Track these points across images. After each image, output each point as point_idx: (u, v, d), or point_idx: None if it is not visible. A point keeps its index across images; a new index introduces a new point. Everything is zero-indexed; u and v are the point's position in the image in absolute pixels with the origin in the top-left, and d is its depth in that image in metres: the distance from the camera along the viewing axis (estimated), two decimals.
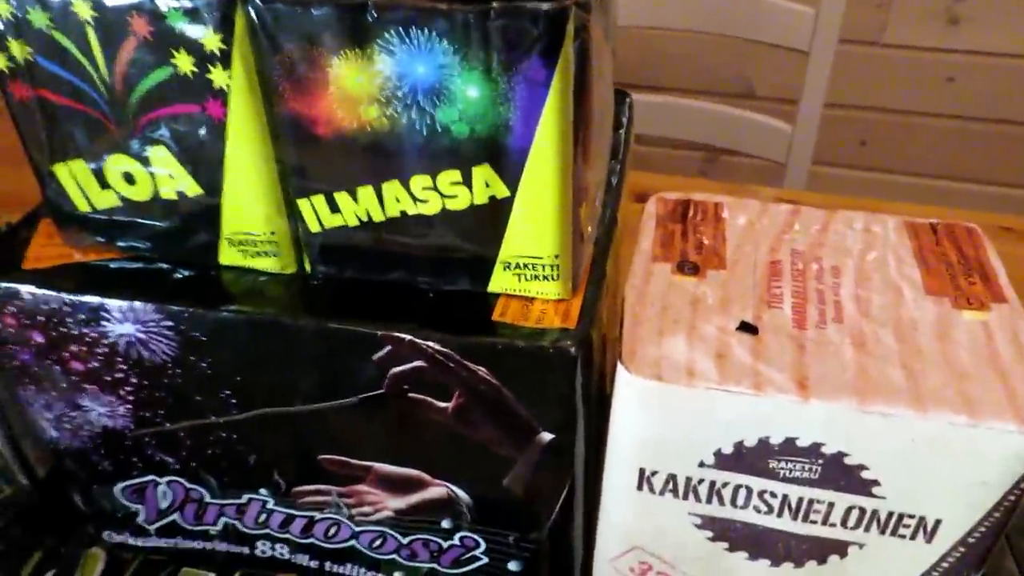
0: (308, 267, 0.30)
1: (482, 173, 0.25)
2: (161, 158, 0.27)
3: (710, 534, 0.29)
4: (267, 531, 0.35)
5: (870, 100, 1.12)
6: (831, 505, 0.27)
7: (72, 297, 0.29)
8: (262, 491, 0.34)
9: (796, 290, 0.30)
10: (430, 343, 0.27)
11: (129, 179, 0.28)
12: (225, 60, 0.25)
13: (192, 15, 0.24)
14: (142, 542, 0.38)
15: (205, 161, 0.27)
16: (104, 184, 0.29)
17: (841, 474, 0.26)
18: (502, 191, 0.25)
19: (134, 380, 0.30)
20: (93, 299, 0.29)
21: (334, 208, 0.27)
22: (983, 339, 0.27)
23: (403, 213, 0.27)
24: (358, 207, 0.27)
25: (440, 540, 0.33)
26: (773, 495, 0.28)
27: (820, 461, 0.26)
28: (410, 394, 0.28)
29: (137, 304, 0.28)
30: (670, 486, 0.28)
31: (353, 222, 0.28)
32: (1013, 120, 1.07)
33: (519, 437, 0.28)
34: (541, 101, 0.23)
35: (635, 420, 0.27)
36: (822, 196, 0.67)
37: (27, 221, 0.33)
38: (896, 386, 0.25)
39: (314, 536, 0.35)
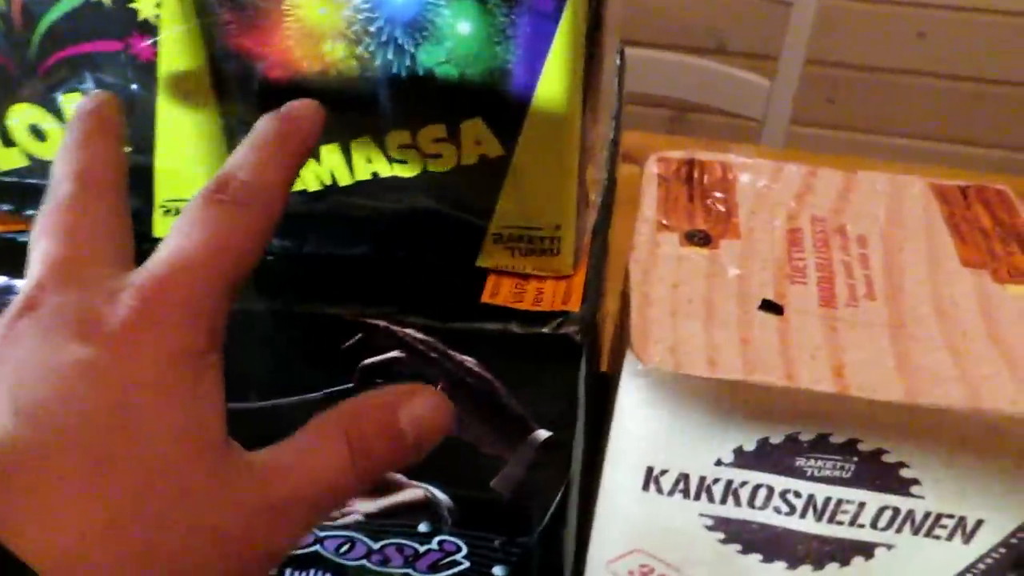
0: None
1: (472, 128, 0.21)
2: None
3: (722, 536, 0.26)
4: None
5: (838, 56, 1.09)
6: (862, 505, 0.24)
7: None
8: None
9: (820, 262, 0.26)
10: (409, 330, 0.23)
11: (38, 134, 0.23)
12: None
13: None
14: None
15: (132, 113, 0.23)
16: (8, 141, 0.24)
17: (877, 473, 0.23)
18: (496, 149, 0.21)
19: None
20: None
21: None
22: None
23: (375, 176, 0.23)
24: (321, 169, 0.23)
25: (416, 544, 0.29)
26: (797, 495, 0.25)
27: (855, 459, 0.23)
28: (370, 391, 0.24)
29: None
30: (680, 486, 0.25)
31: (315, 186, 0.23)
32: (984, 77, 1.06)
33: (511, 434, 0.25)
34: (548, 38, 0.19)
35: (645, 414, 0.24)
36: (803, 154, 0.64)
37: None
38: (945, 375, 0.22)
39: None
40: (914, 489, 0.24)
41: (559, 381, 0.23)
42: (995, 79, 1.06)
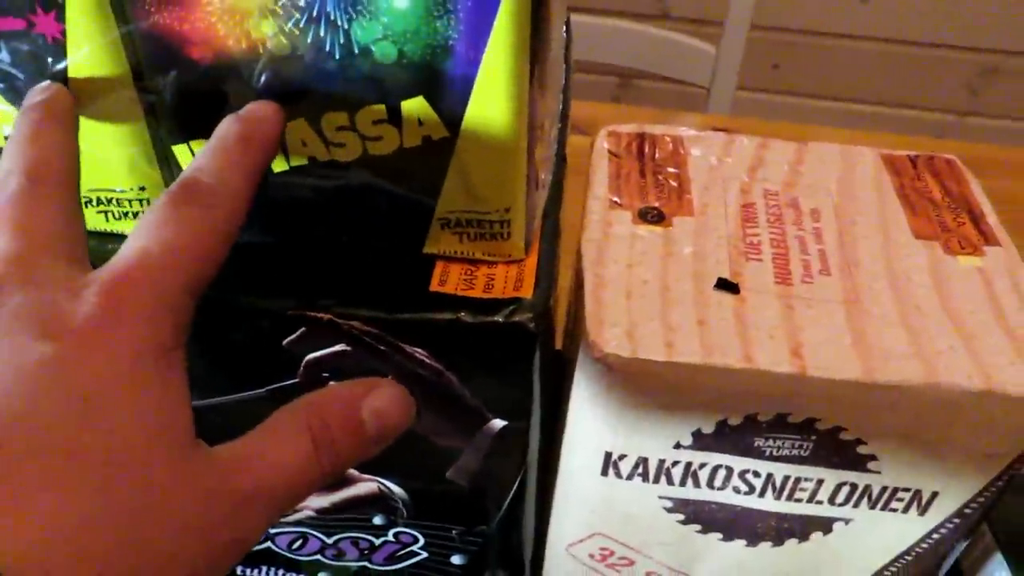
0: None
1: (414, 108, 0.20)
2: None
3: (681, 517, 0.26)
4: None
5: (782, 21, 1.09)
6: (820, 482, 0.24)
7: None
8: None
9: (775, 238, 0.26)
10: (354, 322, 0.21)
11: None
12: None
13: None
14: None
15: None
16: None
17: (835, 450, 0.23)
18: (439, 131, 0.20)
19: None
20: None
21: None
22: (982, 289, 0.25)
23: (312, 160, 0.21)
24: None
25: (371, 537, 0.29)
26: (756, 475, 0.24)
27: (813, 437, 0.23)
28: (331, 383, 0.23)
29: None
30: (639, 470, 0.25)
31: None
32: (926, 41, 1.07)
33: (465, 426, 0.24)
34: (492, 12, 0.18)
35: (601, 400, 0.23)
36: (751, 121, 0.64)
37: None
38: (901, 351, 0.22)
39: None
40: (871, 465, 0.23)
41: (513, 370, 0.23)
42: (937, 43, 1.07)
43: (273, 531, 0.29)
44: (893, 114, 1.13)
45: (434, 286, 0.22)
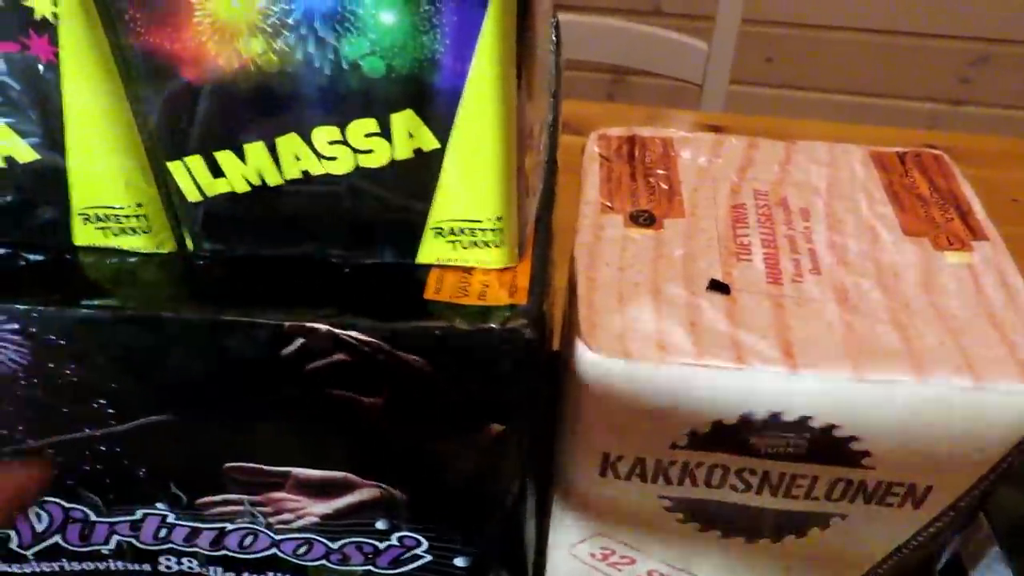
0: (190, 244, 0.24)
1: (404, 121, 0.20)
2: None
3: (680, 516, 0.26)
4: (170, 546, 0.30)
5: (775, 15, 1.09)
6: (815, 479, 0.25)
7: None
8: (158, 505, 0.29)
9: (765, 238, 0.26)
10: (352, 333, 0.22)
11: None
12: None
13: None
14: (19, 568, 0.32)
15: (39, 118, 0.21)
16: None
17: (829, 447, 0.24)
18: (430, 142, 0.20)
19: None
20: None
21: (217, 172, 0.22)
22: (971, 285, 0.25)
23: (306, 174, 0.21)
24: (247, 169, 0.22)
25: (375, 542, 0.29)
26: (752, 472, 0.25)
27: (807, 435, 0.23)
28: (330, 392, 0.23)
29: None
30: (637, 470, 0.25)
31: (242, 187, 0.22)
32: (919, 32, 1.07)
33: (463, 431, 0.24)
34: (477, 26, 0.18)
35: (597, 402, 0.24)
36: (743, 117, 0.64)
37: None
38: (891, 349, 0.23)
39: (227, 548, 0.30)
40: (865, 461, 0.24)
41: (510, 375, 0.23)
42: (931, 33, 1.07)
43: (277, 537, 0.29)
44: (887, 105, 1.14)
45: (429, 294, 0.23)
